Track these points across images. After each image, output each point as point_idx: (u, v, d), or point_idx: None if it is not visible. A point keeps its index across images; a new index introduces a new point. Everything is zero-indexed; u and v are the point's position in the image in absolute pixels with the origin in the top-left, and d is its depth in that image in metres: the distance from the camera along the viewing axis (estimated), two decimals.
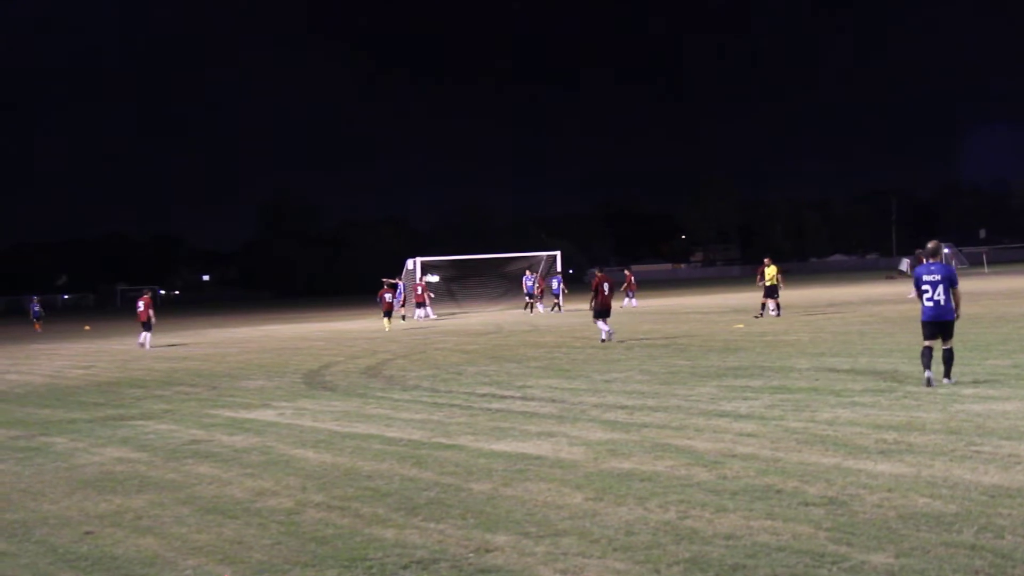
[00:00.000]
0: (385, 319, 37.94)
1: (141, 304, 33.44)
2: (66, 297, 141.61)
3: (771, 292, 30.77)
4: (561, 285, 45.34)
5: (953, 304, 13.40)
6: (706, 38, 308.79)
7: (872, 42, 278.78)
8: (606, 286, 24.91)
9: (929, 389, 13.01)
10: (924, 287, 13.48)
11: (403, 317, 42.86)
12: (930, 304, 13.41)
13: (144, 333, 33.39)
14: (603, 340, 24.34)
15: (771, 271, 31.09)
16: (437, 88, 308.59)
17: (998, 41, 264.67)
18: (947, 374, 13.50)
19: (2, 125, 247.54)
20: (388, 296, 38.66)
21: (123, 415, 15.66)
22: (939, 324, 13.39)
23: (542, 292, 47.29)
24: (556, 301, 44.85)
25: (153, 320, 33.50)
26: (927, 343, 13.51)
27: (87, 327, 55.02)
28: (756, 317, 30.59)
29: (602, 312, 24.73)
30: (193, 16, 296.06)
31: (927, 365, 13.35)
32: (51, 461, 11.64)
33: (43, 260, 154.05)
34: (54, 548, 7.64)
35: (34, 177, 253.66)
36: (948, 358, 13.47)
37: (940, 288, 13.32)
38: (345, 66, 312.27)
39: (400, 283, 43.60)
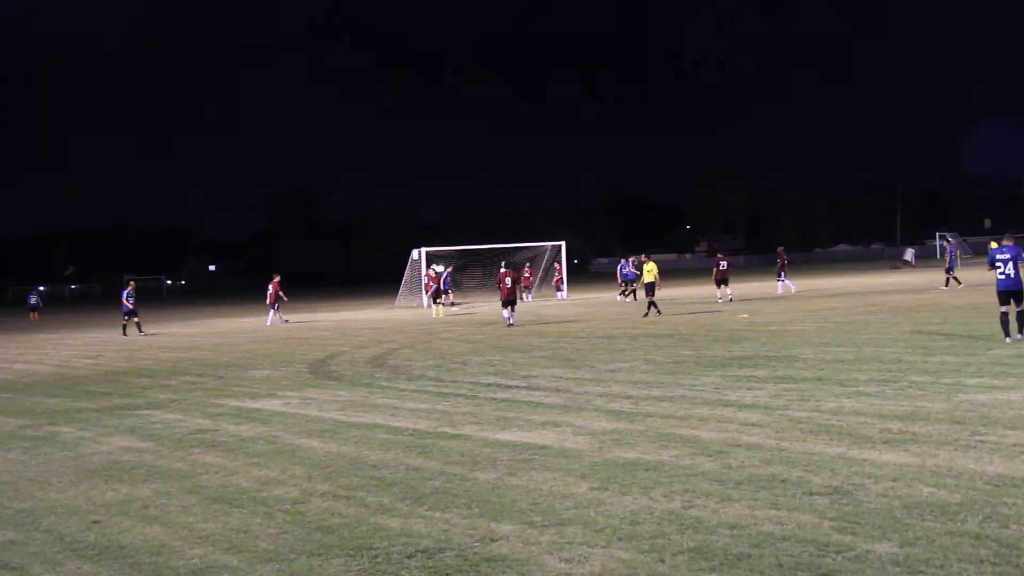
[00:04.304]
0: (434, 306, 38.82)
1: (270, 287, 37.40)
2: (73, 287, 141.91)
3: (649, 289, 30.54)
4: (632, 272, 43.44)
5: (1022, 276, 16.74)
6: (712, 29, 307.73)
7: (877, 30, 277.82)
8: (508, 280, 29.26)
9: (933, 380, 13.07)
10: (997, 263, 17.08)
11: (452, 303, 43.07)
12: (1002, 277, 16.96)
13: (271, 313, 37.50)
14: (509, 324, 28.70)
15: (650, 268, 30.98)
16: (444, 81, 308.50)
17: (1004, 29, 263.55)
18: (1020, 330, 16.79)
19: (10, 118, 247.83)
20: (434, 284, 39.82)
21: (130, 405, 15.71)
22: (1010, 292, 16.86)
23: (530, 284, 48.23)
24: (631, 288, 42.95)
25: (284, 299, 37.87)
26: (1003, 309, 16.95)
27: (34, 317, 54.93)
28: (643, 316, 29.82)
29: (507, 302, 29.08)
30: (200, 7, 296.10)
31: (1005, 328, 16.77)
32: (58, 450, 11.70)
33: (52, 250, 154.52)
34: (62, 537, 7.68)
35: (43, 169, 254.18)
36: (1020, 318, 16.82)
37: (1010, 264, 16.87)
38: (351, 60, 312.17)
39: (446, 271, 43.98)
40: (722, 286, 35.85)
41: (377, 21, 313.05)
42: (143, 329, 35.73)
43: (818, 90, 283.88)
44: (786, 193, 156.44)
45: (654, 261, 31.96)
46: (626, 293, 42.64)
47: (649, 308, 30.16)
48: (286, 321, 37.95)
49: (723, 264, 36.37)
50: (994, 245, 17.99)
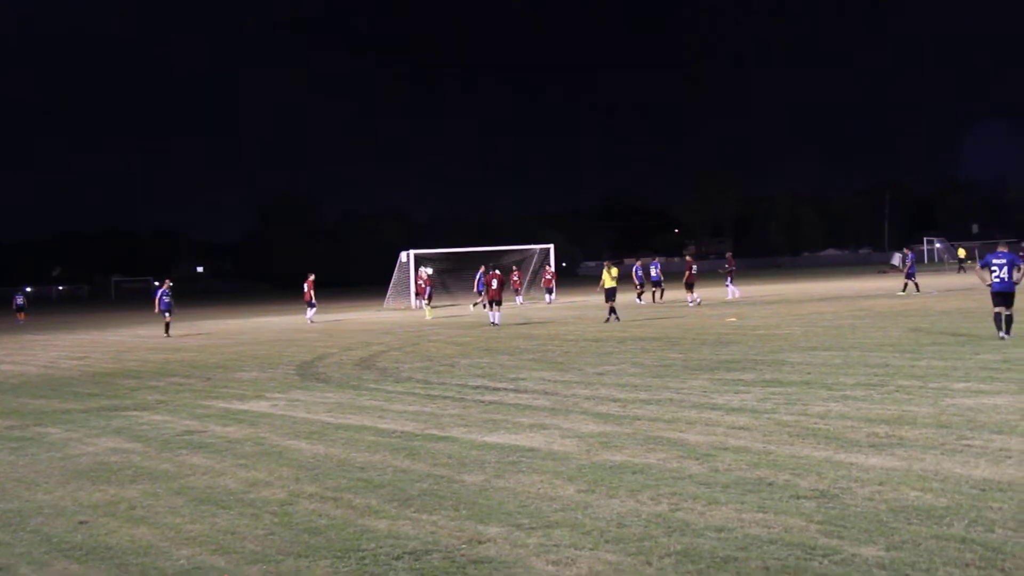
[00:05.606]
0: (425, 307, 39.44)
1: (306, 286, 38.79)
2: (61, 288, 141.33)
3: (610, 295, 30.53)
4: (659, 272, 42.69)
5: (1015, 280, 18.13)
6: (705, 32, 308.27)
7: (870, 36, 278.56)
8: (495, 282, 30.76)
9: (920, 384, 13.14)
10: (993, 267, 18.38)
11: (476, 304, 42.94)
12: (998, 280, 18.22)
13: (309, 310, 38.81)
14: (493, 324, 30.23)
15: (613, 273, 31.00)
16: (438, 84, 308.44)
17: (995, 36, 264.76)
18: (1008, 331, 17.91)
19: (1, 119, 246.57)
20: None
21: (117, 406, 15.66)
22: (1004, 294, 18.06)
23: (519, 287, 48.39)
24: (657, 289, 42.10)
25: (314, 300, 39.12)
26: (996, 310, 18.15)
27: (21, 317, 54.83)
28: (606, 321, 29.58)
29: (492, 302, 30.52)
30: (193, 9, 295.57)
31: (999, 325, 18.05)
32: (45, 451, 11.66)
33: (41, 253, 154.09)
34: (49, 537, 7.66)
35: (33, 172, 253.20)
36: (1009, 320, 18.03)
37: (1006, 268, 18.21)
38: (346, 62, 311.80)
39: (479, 272, 43.97)
40: (691, 290, 37.12)
41: (372, 22, 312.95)
42: (170, 331, 34.09)
43: (810, 94, 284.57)
44: (776, 197, 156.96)
45: (616, 266, 32.34)
46: (641, 296, 41.79)
47: (610, 314, 29.94)
48: (312, 321, 38.64)
49: (694, 268, 38.15)
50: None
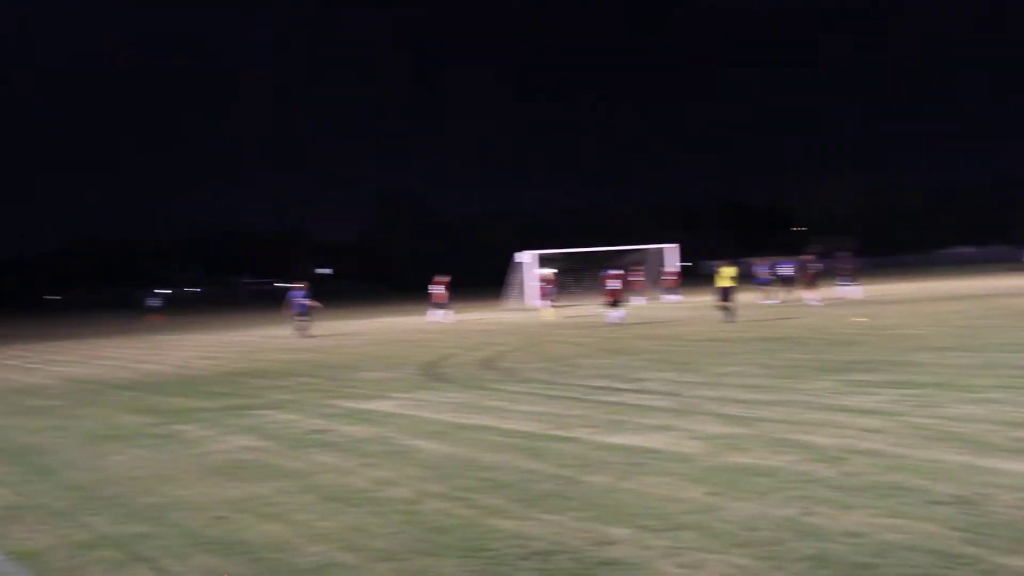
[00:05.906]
0: (549, 308, 40.50)
1: (441, 288, 40.86)
2: (189, 290, 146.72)
3: (725, 294, 29.84)
4: (787, 272, 41.23)
5: None
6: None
7: (997, 25, 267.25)
8: (616, 282, 31.38)
9: None
10: None
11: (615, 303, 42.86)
12: None
13: (440, 311, 40.88)
14: (615, 326, 30.22)
15: (730, 271, 30.25)
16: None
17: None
18: None
19: (137, 129, 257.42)
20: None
21: (248, 404, 16.14)
22: None
23: (640, 287, 47.91)
24: (787, 288, 40.62)
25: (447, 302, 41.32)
26: None
27: (157, 319, 56.78)
28: (726, 320, 28.93)
29: (613, 304, 31.21)
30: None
31: None
32: (183, 448, 12.09)
33: (170, 256, 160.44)
34: (188, 531, 7.93)
35: (143, 175, 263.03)
36: None
37: None
38: (452, 62, 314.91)
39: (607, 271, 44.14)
40: (813, 289, 36.76)
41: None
42: (309, 333, 34.36)
43: (930, 83, 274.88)
44: (903, 192, 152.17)
45: (732, 265, 31.77)
46: (772, 296, 40.66)
47: (725, 313, 29.69)
48: (440, 320, 40.48)
49: (816, 267, 37.96)
50: None
